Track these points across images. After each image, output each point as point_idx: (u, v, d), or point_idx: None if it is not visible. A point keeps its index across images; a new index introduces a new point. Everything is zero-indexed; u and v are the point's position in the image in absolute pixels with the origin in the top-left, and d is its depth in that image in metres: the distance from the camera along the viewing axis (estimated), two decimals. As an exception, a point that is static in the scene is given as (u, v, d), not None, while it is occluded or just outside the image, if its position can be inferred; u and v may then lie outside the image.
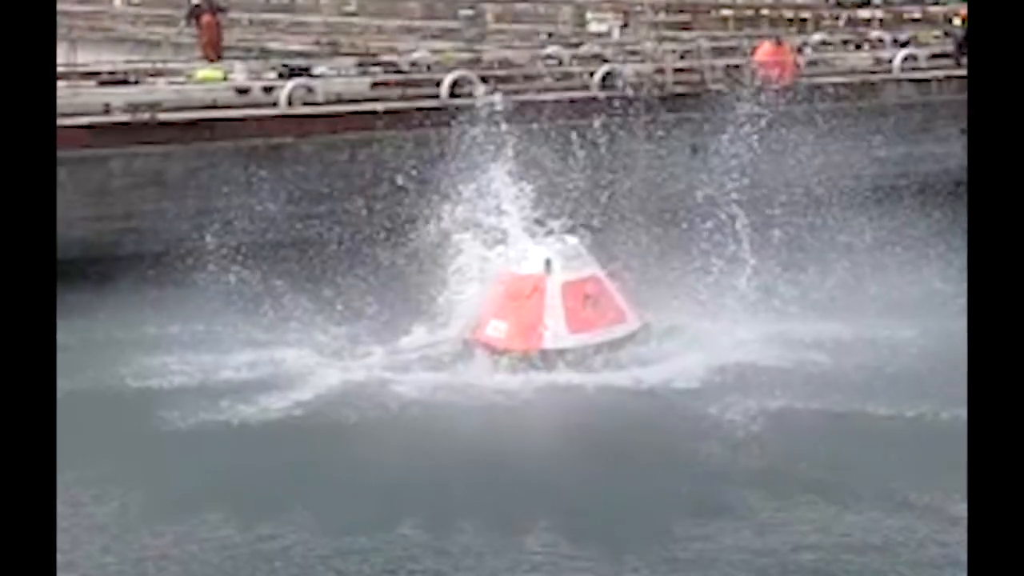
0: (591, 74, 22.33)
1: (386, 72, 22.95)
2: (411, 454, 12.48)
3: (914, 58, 25.24)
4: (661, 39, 26.16)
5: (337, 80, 21.95)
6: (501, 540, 10.81)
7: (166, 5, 36.64)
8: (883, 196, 19.32)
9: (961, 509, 8.89)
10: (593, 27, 31.68)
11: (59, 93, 15.76)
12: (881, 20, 30.77)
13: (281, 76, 21.66)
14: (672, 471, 12.21)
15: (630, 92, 21.22)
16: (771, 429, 12.85)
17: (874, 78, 24.74)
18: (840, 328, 15.30)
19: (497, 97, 17.75)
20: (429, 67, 23.56)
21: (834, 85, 23.24)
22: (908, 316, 15.41)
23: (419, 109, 20.18)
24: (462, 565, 10.44)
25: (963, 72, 23.72)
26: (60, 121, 14.80)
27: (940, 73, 24.92)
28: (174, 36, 32.56)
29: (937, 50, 26.15)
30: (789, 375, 14.15)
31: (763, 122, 17.78)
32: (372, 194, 19.00)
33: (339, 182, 19.60)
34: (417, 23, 35.12)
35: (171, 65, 24.75)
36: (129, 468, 12.21)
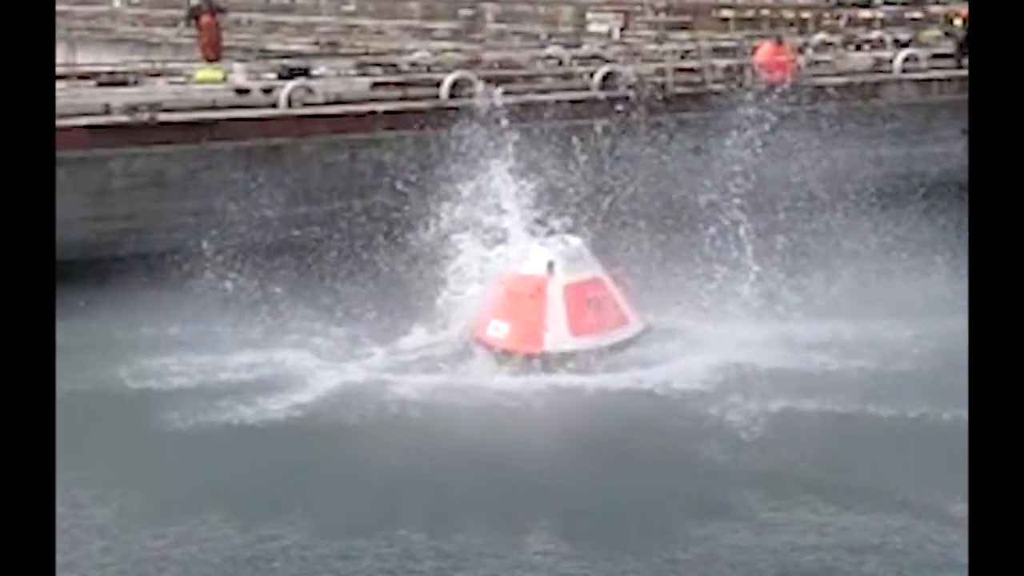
0: (591, 75, 22.32)
1: (386, 73, 22.94)
2: (411, 455, 12.46)
3: (915, 59, 25.25)
4: (661, 39, 26.15)
5: (337, 81, 21.94)
6: (501, 541, 10.78)
7: (165, 6, 36.65)
8: (883, 197, 19.29)
9: (962, 510, 8.87)
10: (593, 27, 31.67)
11: (59, 94, 15.74)
12: (882, 20, 30.78)
13: (281, 77, 21.65)
14: (673, 471, 12.19)
15: (630, 93, 21.19)
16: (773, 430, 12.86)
17: (875, 79, 24.75)
18: (839, 329, 15.28)
19: (497, 91, 17.74)
20: (429, 68, 23.56)
21: (835, 86, 23.23)
22: (907, 315, 15.39)
23: (419, 110, 20.16)
24: (462, 566, 10.41)
25: (964, 72, 23.72)
26: (59, 122, 14.80)
27: (941, 74, 24.94)
28: (173, 37, 32.58)
29: (938, 50, 26.16)
30: (791, 376, 14.13)
31: (763, 123, 17.77)
32: (372, 195, 18.98)
33: (339, 183, 19.58)
34: (417, 24, 35.11)
35: (171, 66, 24.75)
36: (128, 469, 12.20)
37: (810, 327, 15.40)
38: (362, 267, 16.70)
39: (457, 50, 27.49)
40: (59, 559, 7.43)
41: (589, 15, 32.52)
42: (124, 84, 21.41)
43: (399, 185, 17.77)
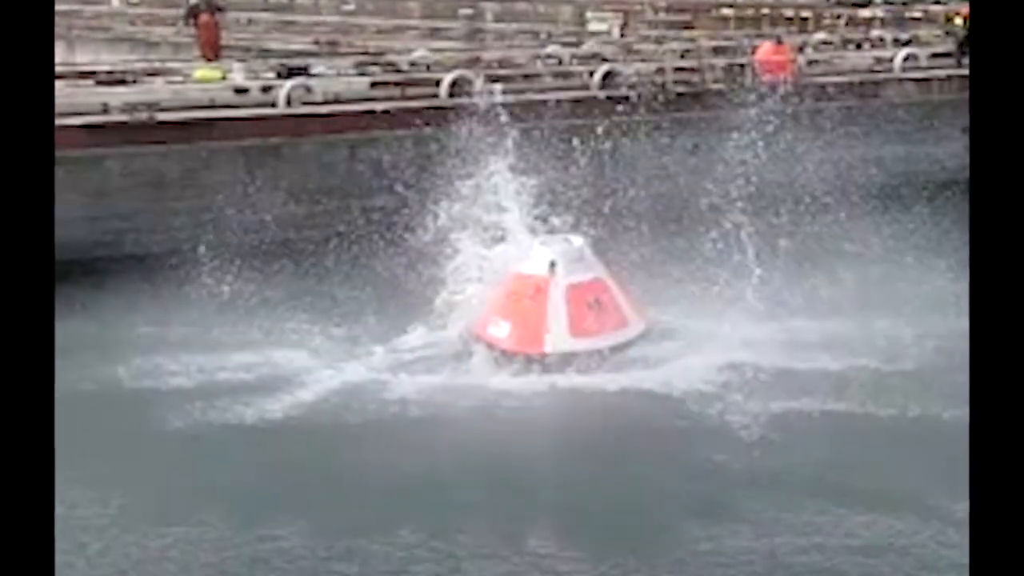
0: (591, 74, 22.30)
1: (385, 72, 22.90)
2: (409, 454, 12.42)
3: (915, 57, 25.24)
4: (661, 38, 26.11)
5: (336, 80, 21.92)
6: (501, 542, 10.75)
7: (164, 5, 36.62)
8: (883, 195, 19.28)
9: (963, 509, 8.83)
10: (593, 26, 31.64)
11: (57, 93, 15.68)
12: (882, 19, 30.76)
13: (280, 76, 21.63)
14: (673, 471, 12.16)
15: (630, 92, 21.17)
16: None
17: (875, 77, 24.73)
18: (839, 327, 15.26)
19: (497, 89, 17.71)
20: (428, 67, 23.52)
21: (835, 85, 23.22)
22: (906, 314, 15.37)
23: (418, 109, 20.14)
24: (462, 567, 10.38)
25: (964, 71, 23.71)
26: (58, 121, 14.66)
27: (941, 72, 24.91)
28: (172, 36, 32.59)
29: (938, 49, 26.14)
30: (790, 374, 14.12)
31: (763, 122, 17.74)
32: (371, 194, 18.95)
33: (338, 182, 19.56)
34: (416, 23, 35.08)
35: (169, 65, 24.73)
36: (127, 469, 12.18)
37: (810, 325, 15.38)
38: (361, 267, 16.67)
39: (457, 49, 27.45)
40: (57, 559, 7.38)
41: (589, 14, 32.49)
42: (123, 83, 21.38)
43: (398, 184, 17.74)
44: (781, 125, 18.09)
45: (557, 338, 14.27)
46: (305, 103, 20.12)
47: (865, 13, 31.30)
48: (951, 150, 23.38)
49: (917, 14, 31.42)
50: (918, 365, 14.28)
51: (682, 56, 24.53)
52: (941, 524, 10.81)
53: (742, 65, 23.43)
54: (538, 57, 24.79)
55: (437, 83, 20.98)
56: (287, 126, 19.62)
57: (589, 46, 26.18)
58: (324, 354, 14.89)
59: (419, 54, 24.85)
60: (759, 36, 26.48)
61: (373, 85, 21.68)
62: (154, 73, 22.92)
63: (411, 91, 21.18)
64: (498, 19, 33.91)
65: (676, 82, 22.67)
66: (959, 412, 11.44)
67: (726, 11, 31.87)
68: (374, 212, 18.27)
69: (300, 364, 14.59)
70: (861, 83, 24.18)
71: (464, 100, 19.21)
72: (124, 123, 18.68)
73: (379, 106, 20.30)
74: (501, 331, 14.47)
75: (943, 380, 13.28)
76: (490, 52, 26.15)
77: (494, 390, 13.89)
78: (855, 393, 13.62)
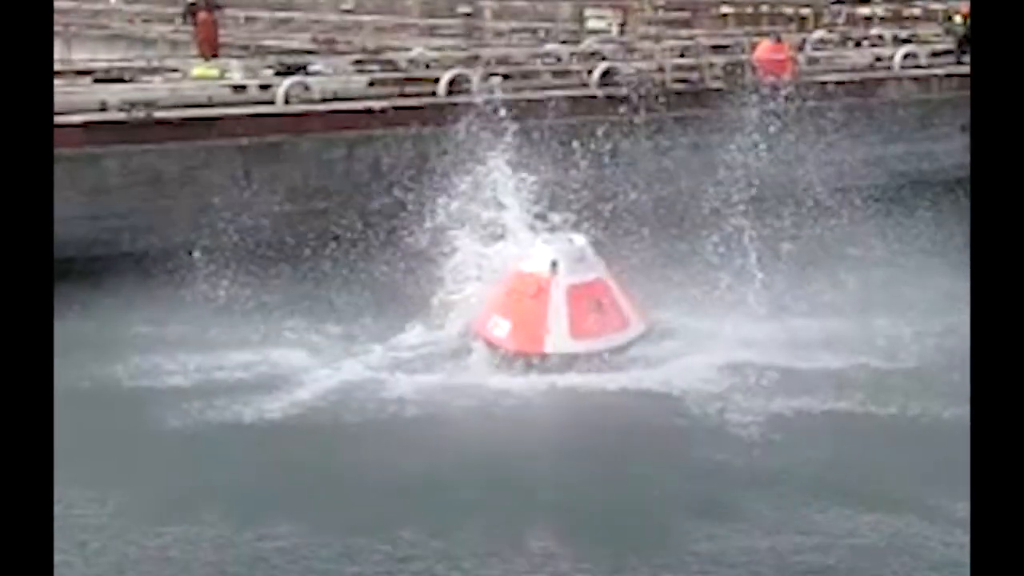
0: (590, 72, 22.26)
1: (383, 70, 22.88)
2: (408, 454, 12.39)
3: (914, 56, 25.21)
4: (660, 37, 26.06)
5: (334, 78, 21.90)
6: (501, 542, 10.72)
7: (162, 2, 36.57)
8: (882, 193, 19.23)
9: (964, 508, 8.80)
10: (592, 24, 31.59)
11: (54, 91, 15.66)
12: (881, 17, 30.73)
13: (278, 74, 21.63)
14: (673, 471, 12.12)
15: (629, 90, 21.14)
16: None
17: (874, 76, 24.70)
18: (838, 325, 15.24)
19: (496, 87, 17.67)
20: (427, 65, 23.50)
21: (834, 83, 23.19)
22: (903, 312, 15.35)
23: (417, 107, 20.12)
24: (461, 567, 10.34)
25: (964, 69, 23.70)
26: (55, 119, 14.70)
27: (941, 71, 24.88)
28: (170, 33, 32.54)
29: (938, 47, 26.11)
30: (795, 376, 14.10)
31: (762, 120, 17.72)
32: (369, 192, 18.92)
33: (336, 180, 19.53)
34: (415, 20, 35.04)
35: (167, 63, 24.73)
36: (125, 468, 12.14)
37: (809, 323, 15.34)
38: (360, 267, 16.64)
39: (455, 47, 27.42)
40: (56, 558, 7.36)
41: (588, 12, 32.44)
42: (120, 81, 21.37)
43: (397, 182, 17.70)
44: (780, 123, 18.07)
45: (557, 339, 14.21)
46: (303, 101, 20.09)
47: (864, 11, 31.26)
48: (950, 148, 23.35)
49: (916, 12, 31.40)
50: (918, 364, 14.24)
51: (681, 54, 24.50)
52: (942, 523, 10.78)
53: (741, 63, 23.41)
54: (537, 55, 24.77)
55: (436, 81, 20.95)
56: (285, 124, 19.59)
57: (588, 44, 26.14)
58: (322, 353, 14.85)
59: (417, 52, 24.83)
60: (758, 34, 26.43)
61: (371, 83, 21.66)
62: (152, 71, 22.92)
63: (409, 89, 21.16)
64: (497, 17, 33.87)
65: (675, 80, 22.65)
66: (959, 411, 11.51)
67: (725, 9, 31.83)
68: (372, 211, 18.23)
69: (298, 363, 14.55)
70: (860, 81, 24.16)
71: (463, 98, 19.18)
72: (122, 121, 18.65)
73: (377, 104, 20.27)
74: (501, 330, 14.42)
75: (943, 379, 13.25)
76: (489, 50, 26.12)
77: (493, 389, 13.84)
78: (855, 392, 13.59)
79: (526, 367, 14.17)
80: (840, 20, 30.43)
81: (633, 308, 14.79)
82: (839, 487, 11.56)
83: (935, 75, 24.79)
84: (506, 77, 21.89)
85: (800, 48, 25.52)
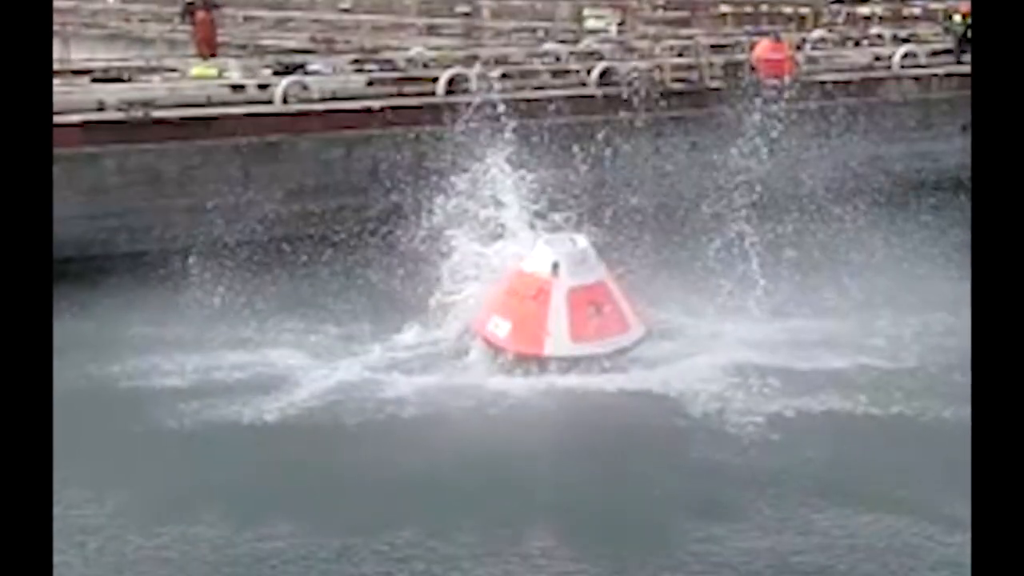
0: (589, 71, 22.24)
1: (382, 69, 22.86)
2: (406, 454, 12.36)
3: (914, 55, 25.19)
4: (659, 36, 26.05)
5: (333, 77, 21.88)
6: (500, 542, 10.69)
7: (160, 2, 36.51)
8: (882, 193, 19.21)
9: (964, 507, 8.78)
10: (590, 24, 31.54)
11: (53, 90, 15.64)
12: (881, 17, 30.70)
13: (276, 73, 21.60)
14: (673, 472, 12.10)
15: (628, 89, 21.11)
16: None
17: (873, 75, 24.67)
18: (837, 323, 15.21)
19: (494, 84, 17.65)
20: (425, 64, 23.47)
21: (833, 82, 23.17)
22: (901, 311, 15.34)
23: (415, 107, 20.09)
24: (460, 567, 10.32)
25: (963, 69, 23.68)
26: (54, 119, 14.68)
27: (940, 70, 24.86)
28: (168, 33, 32.48)
29: (937, 47, 26.09)
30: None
31: (761, 119, 17.70)
32: (368, 192, 18.89)
33: (335, 179, 19.51)
34: (413, 20, 35.00)
35: (165, 62, 24.69)
36: (122, 469, 12.12)
37: (808, 323, 15.32)
38: (357, 267, 16.61)
39: (454, 47, 27.39)
40: (55, 558, 7.33)
41: (586, 11, 32.40)
42: (119, 80, 21.35)
43: (395, 182, 17.68)
44: (779, 123, 18.06)
45: (557, 342, 14.12)
46: (301, 101, 20.07)
47: (864, 11, 31.23)
48: (949, 147, 23.33)
49: (916, 12, 31.37)
50: (919, 363, 14.22)
51: (680, 54, 24.47)
52: (942, 523, 10.75)
53: (740, 63, 23.39)
54: (535, 55, 24.73)
55: (434, 81, 20.93)
56: (283, 124, 19.58)
57: (587, 44, 26.11)
58: (320, 353, 14.82)
59: (416, 51, 24.80)
60: (757, 33, 26.40)
61: (370, 83, 21.65)
62: (150, 70, 22.89)
63: (408, 89, 21.14)
64: (495, 16, 33.83)
65: (674, 80, 22.63)
66: (960, 411, 11.49)
67: (724, 8, 31.78)
68: (371, 210, 18.21)
69: (296, 363, 14.52)
70: (860, 80, 24.13)
71: (461, 98, 19.15)
72: (120, 121, 18.64)
73: (376, 104, 20.26)
74: (501, 330, 14.33)
75: (943, 379, 13.24)
76: (487, 50, 26.08)
77: (492, 390, 13.81)
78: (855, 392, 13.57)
79: (525, 369, 14.11)
80: (839, 19, 30.40)
81: (634, 311, 14.68)
82: (839, 487, 11.54)
83: (934, 74, 24.76)
84: (505, 77, 21.86)
85: (799, 48, 25.49)
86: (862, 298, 15.82)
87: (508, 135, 16.07)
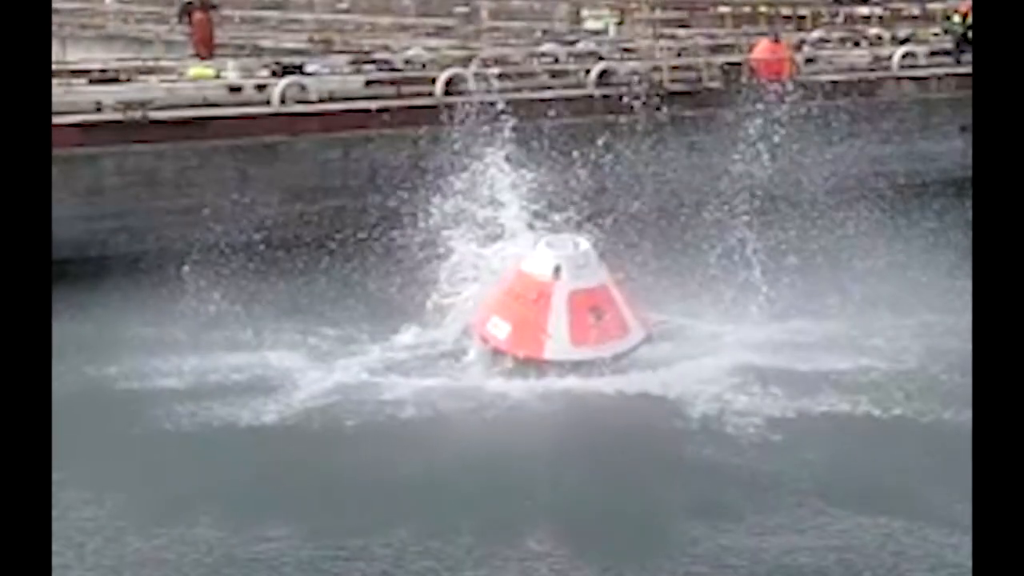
0: (587, 72, 22.22)
1: (380, 70, 22.86)
2: (405, 455, 12.34)
3: (913, 55, 25.18)
4: (657, 36, 26.06)
5: (331, 78, 21.86)
6: (499, 543, 10.67)
7: (158, 2, 36.49)
8: (881, 193, 19.20)
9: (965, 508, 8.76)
10: (589, 24, 31.56)
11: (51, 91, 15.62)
12: (880, 17, 30.71)
13: (274, 74, 21.58)
14: (673, 473, 12.09)
15: (626, 90, 21.10)
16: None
17: (873, 76, 24.67)
18: (835, 323, 15.19)
19: (493, 85, 17.62)
20: (424, 65, 23.47)
21: (832, 83, 23.16)
22: (900, 311, 15.32)
23: (413, 107, 20.08)
24: (459, 568, 10.29)
25: (962, 69, 23.68)
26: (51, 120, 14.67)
27: (939, 71, 24.85)
28: (166, 33, 32.48)
29: (936, 47, 26.08)
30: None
31: (760, 120, 17.68)
32: (366, 193, 18.87)
33: (333, 180, 19.49)
34: (411, 20, 35.00)
35: (163, 63, 24.68)
36: (120, 470, 12.10)
37: (807, 323, 15.29)
38: (356, 268, 16.59)
39: (452, 47, 27.38)
40: (53, 560, 7.32)
41: (585, 12, 32.43)
42: (116, 81, 21.33)
43: (393, 183, 17.66)
44: (777, 123, 18.04)
45: (557, 345, 14.05)
46: (299, 102, 20.05)
47: (863, 11, 31.25)
48: (949, 147, 23.33)
49: (915, 12, 31.37)
50: (919, 365, 14.20)
51: (679, 54, 24.48)
52: (943, 525, 10.73)
53: (739, 63, 23.38)
54: (534, 55, 24.72)
55: (432, 81, 20.91)
56: (281, 125, 19.56)
57: (585, 44, 26.10)
58: (318, 354, 14.80)
59: (414, 52, 24.80)
60: (756, 34, 26.42)
61: (368, 83, 21.64)
62: (148, 71, 22.87)
63: (406, 89, 21.13)
64: (494, 17, 33.83)
65: (673, 80, 22.62)
66: (960, 412, 11.47)
67: (723, 9, 31.79)
68: (369, 211, 18.18)
69: (293, 364, 14.50)
70: (859, 81, 24.12)
71: (459, 98, 19.13)
72: (118, 122, 18.62)
73: (374, 104, 20.25)
74: (500, 331, 14.27)
75: (944, 381, 13.22)
76: (486, 50, 26.07)
77: (491, 391, 13.78)
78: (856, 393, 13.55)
79: (523, 371, 14.06)
80: (838, 20, 30.42)
81: (634, 315, 14.61)
82: (839, 489, 11.52)
83: (934, 75, 24.76)
84: (503, 77, 21.84)
85: (798, 48, 25.51)
86: (862, 296, 15.81)
87: (506, 135, 16.06)
